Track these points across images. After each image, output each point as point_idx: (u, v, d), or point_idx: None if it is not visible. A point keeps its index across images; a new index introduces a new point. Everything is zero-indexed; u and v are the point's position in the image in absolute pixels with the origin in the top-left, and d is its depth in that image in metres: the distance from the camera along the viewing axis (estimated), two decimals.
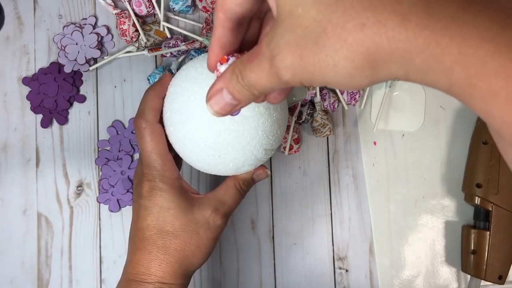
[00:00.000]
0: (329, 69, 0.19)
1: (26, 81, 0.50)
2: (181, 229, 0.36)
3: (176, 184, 0.37)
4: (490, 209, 0.48)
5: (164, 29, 0.50)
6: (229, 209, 0.38)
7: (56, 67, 0.50)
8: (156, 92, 0.38)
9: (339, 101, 0.51)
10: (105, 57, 0.50)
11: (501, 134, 0.17)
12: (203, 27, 0.50)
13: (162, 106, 0.38)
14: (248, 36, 0.27)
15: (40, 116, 0.50)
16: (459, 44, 0.16)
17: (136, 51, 0.50)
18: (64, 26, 0.50)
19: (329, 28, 0.18)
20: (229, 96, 0.23)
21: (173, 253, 0.36)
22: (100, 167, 0.50)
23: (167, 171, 0.37)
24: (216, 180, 0.51)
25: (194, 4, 0.50)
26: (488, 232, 0.48)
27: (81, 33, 0.50)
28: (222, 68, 0.25)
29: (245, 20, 0.25)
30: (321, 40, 0.18)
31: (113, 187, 0.49)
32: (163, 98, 0.38)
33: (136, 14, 0.49)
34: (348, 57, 0.18)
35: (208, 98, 0.24)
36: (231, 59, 0.25)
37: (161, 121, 0.38)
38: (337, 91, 0.50)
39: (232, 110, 0.24)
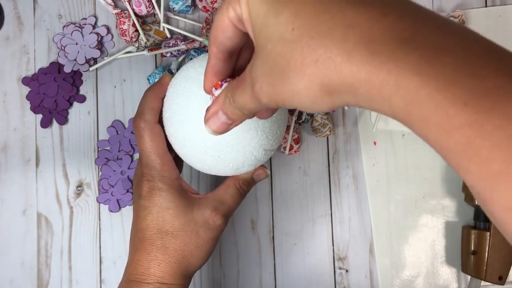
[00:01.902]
0: (295, 96, 0.22)
1: (26, 81, 0.50)
2: (181, 229, 0.36)
3: (176, 184, 0.37)
4: None
5: (164, 29, 0.50)
6: (229, 209, 0.38)
7: (56, 67, 0.50)
8: (156, 93, 0.38)
9: None
10: (105, 57, 0.50)
11: (441, 156, 0.19)
12: (203, 27, 0.50)
13: (162, 107, 0.38)
14: (240, 62, 0.30)
15: (40, 116, 0.50)
16: (396, 76, 0.19)
17: (136, 51, 0.50)
18: (64, 26, 0.50)
19: (292, 62, 0.21)
20: (224, 117, 0.27)
21: (173, 253, 0.36)
22: (100, 167, 0.50)
23: (166, 171, 0.37)
24: (216, 180, 0.51)
25: (194, 4, 0.50)
26: (488, 233, 0.48)
27: (81, 33, 0.50)
28: (216, 93, 0.28)
29: (235, 52, 0.29)
30: (286, 71, 0.22)
31: (113, 187, 0.49)
32: (163, 98, 0.38)
33: (136, 14, 0.49)
34: (307, 87, 0.21)
35: (206, 120, 0.28)
36: (224, 85, 0.28)
37: (160, 122, 0.38)
38: None
39: (228, 128, 0.28)
